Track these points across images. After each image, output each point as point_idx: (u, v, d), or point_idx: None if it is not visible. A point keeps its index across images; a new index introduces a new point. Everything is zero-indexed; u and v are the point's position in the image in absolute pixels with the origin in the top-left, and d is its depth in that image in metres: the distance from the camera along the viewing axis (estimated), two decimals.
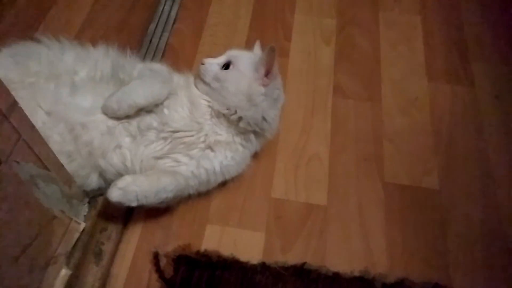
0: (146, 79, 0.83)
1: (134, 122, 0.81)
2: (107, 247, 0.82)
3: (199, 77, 0.88)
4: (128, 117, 0.81)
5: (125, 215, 0.89)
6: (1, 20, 1.22)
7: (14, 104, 0.57)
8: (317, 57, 1.20)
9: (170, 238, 0.89)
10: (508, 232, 0.92)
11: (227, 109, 0.84)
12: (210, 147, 0.85)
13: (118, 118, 0.80)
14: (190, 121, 0.83)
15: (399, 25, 1.28)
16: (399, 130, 1.08)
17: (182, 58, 1.16)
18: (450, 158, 1.03)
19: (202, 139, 0.84)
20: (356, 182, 0.99)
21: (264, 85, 0.84)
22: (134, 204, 0.76)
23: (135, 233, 0.89)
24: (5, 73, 0.81)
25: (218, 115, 0.85)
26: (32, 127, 0.63)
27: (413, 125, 1.09)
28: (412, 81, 1.16)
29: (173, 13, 1.23)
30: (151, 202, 0.78)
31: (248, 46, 1.19)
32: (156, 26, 1.19)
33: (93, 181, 0.83)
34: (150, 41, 1.16)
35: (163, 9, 1.24)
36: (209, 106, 0.85)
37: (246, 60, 0.86)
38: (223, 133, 0.86)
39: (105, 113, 0.80)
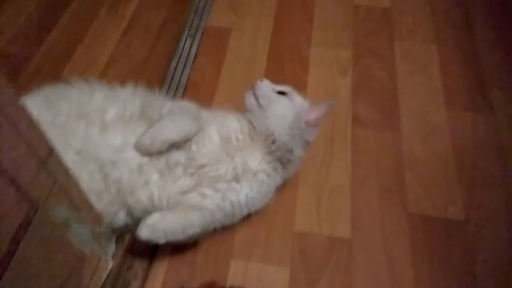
0: (177, 116, 0.86)
1: (163, 159, 0.83)
2: (134, 285, 0.83)
3: (251, 91, 0.93)
4: (158, 153, 0.83)
5: (151, 252, 0.90)
6: (29, 59, 1.28)
7: (51, 150, 0.60)
8: (334, 88, 1.22)
9: (195, 274, 0.89)
10: None
11: (266, 130, 0.87)
12: (236, 180, 0.86)
13: (149, 155, 0.83)
14: (218, 155, 0.85)
15: (415, 54, 1.30)
16: (420, 159, 1.08)
17: (203, 93, 1.19)
18: (474, 187, 1.02)
19: (229, 172, 0.85)
20: (379, 214, 0.98)
21: (307, 124, 0.89)
22: (162, 241, 0.77)
23: (160, 270, 0.89)
24: (38, 114, 0.84)
25: (251, 141, 0.88)
26: (67, 170, 0.65)
27: (434, 154, 1.08)
28: (431, 110, 1.17)
29: (193, 50, 1.27)
30: (178, 238, 0.79)
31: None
32: (178, 63, 1.23)
33: (121, 219, 0.84)
34: (172, 77, 1.20)
35: (183, 46, 1.28)
36: (239, 138, 0.88)
37: (301, 101, 0.93)
38: (253, 162, 0.87)
39: (138, 150, 0.83)
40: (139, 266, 0.86)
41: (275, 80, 0.98)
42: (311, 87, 1.22)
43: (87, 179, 0.81)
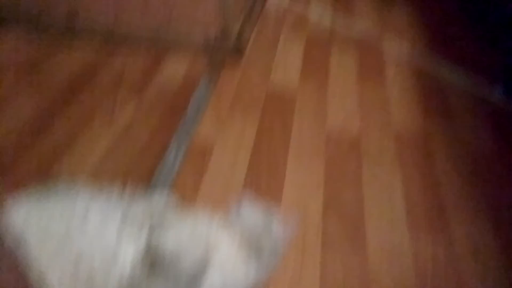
0: None
1: None
2: None
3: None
4: None
5: None
6: (21, 157, 1.34)
7: None
8: (306, 207, 1.30)
9: None
10: None
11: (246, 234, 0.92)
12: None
13: None
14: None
15: (380, 179, 1.41)
16: (384, 284, 1.11)
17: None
18: None
19: None
20: None
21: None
22: None
23: None
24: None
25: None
26: None
27: (397, 281, 1.13)
28: (395, 235, 1.24)
29: (176, 165, 1.37)
30: None
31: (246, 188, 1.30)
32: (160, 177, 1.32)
33: None
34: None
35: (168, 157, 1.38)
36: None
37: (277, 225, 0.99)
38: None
39: None
40: None
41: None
42: (285, 203, 1.30)
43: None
